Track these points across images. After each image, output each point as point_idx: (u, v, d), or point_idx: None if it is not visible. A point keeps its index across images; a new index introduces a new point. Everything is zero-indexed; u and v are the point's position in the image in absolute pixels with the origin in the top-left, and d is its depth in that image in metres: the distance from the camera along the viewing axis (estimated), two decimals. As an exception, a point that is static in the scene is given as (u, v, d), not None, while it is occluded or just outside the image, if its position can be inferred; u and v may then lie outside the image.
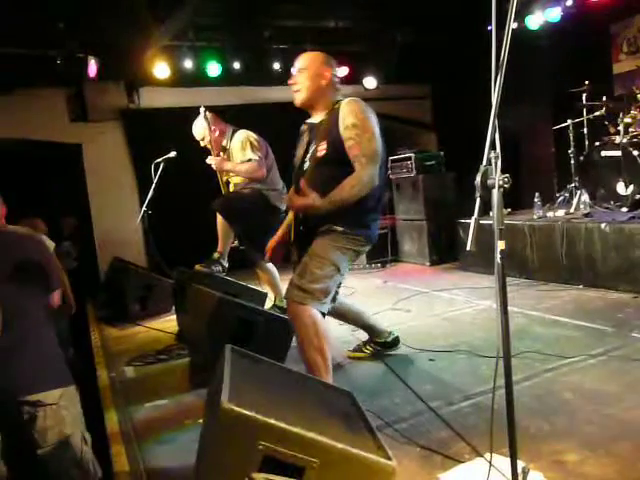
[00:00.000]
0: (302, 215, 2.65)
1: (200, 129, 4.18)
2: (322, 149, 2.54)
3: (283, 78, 6.89)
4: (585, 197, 4.95)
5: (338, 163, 2.48)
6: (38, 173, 5.37)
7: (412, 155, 6.25)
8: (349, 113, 2.50)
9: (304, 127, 2.82)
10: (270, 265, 4.24)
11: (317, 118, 2.69)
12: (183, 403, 2.88)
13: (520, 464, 1.65)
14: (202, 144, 4.22)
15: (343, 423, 1.77)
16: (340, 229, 2.55)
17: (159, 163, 4.94)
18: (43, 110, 5.82)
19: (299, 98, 2.65)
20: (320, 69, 2.62)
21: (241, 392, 1.51)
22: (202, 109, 4.13)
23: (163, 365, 3.58)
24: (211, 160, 4.13)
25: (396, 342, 3.24)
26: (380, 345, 3.24)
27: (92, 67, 5.52)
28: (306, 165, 2.65)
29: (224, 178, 4.30)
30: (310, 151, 2.65)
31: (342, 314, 3.12)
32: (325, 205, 2.41)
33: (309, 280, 2.46)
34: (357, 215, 2.57)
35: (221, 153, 4.23)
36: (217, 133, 4.17)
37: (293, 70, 2.69)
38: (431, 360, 3.12)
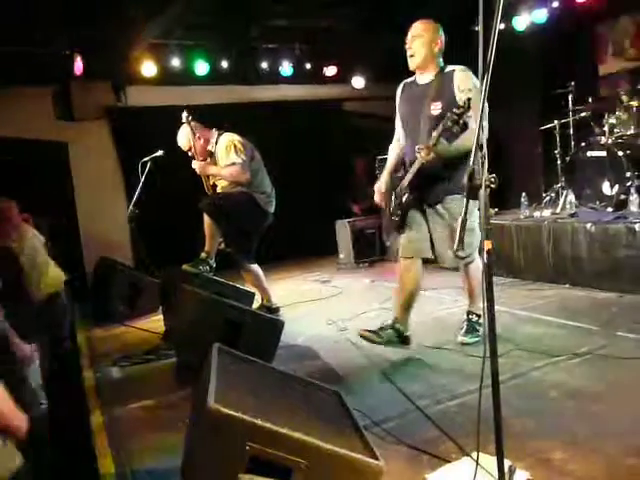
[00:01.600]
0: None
1: (184, 140, 4.19)
2: (437, 108, 2.89)
3: (271, 77, 6.91)
4: (571, 197, 4.99)
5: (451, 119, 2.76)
6: (22, 172, 5.30)
7: (400, 155, 6.25)
8: (465, 79, 2.89)
9: (407, 86, 3.20)
10: (255, 266, 4.23)
11: (425, 79, 3.04)
12: (170, 403, 2.86)
13: (506, 463, 1.66)
14: (189, 153, 4.22)
15: (330, 423, 1.77)
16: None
17: (146, 162, 4.90)
18: (28, 108, 5.74)
19: (414, 62, 3.01)
20: (434, 37, 2.98)
21: (228, 393, 1.50)
22: (184, 114, 4.10)
23: (150, 365, 3.56)
24: (195, 165, 4.14)
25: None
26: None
27: (78, 65, 5.46)
28: (421, 121, 2.99)
29: (210, 181, 4.28)
30: (422, 108, 2.98)
31: None
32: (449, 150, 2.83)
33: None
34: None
35: (208, 158, 4.21)
36: (202, 141, 4.16)
37: (408, 36, 3.03)
38: (419, 359, 3.13)
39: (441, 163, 2.92)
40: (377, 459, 1.57)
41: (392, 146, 3.41)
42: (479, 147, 1.51)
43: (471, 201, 2.85)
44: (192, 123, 4.12)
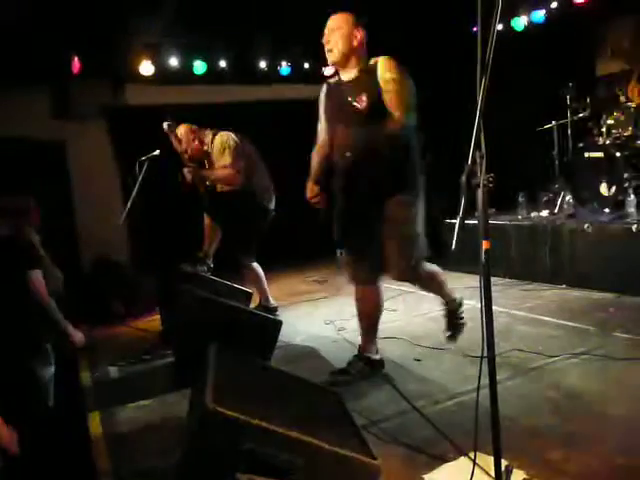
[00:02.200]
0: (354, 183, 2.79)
1: (178, 148, 4.18)
2: (362, 101, 2.67)
3: (269, 77, 6.90)
4: (569, 198, 5.00)
5: (378, 115, 2.62)
6: (19, 171, 5.29)
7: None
8: (388, 68, 2.68)
9: (331, 86, 2.95)
10: (256, 265, 4.23)
11: (348, 75, 2.82)
12: (167, 403, 2.86)
13: (503, 462, 1.67)
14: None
15: (328, 422, 1.76)
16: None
17: (143, 161, 4.89)
18: (25, 107, 5.73)
19: (333, 57, 2.80)
20: (352, 29, 2.77)
21: (225, 392, 1.50)
22: (165, 125, 4.10)
23: (147, 365, 3.55)
24: (185, 172, 4.12)
25: None
26: None
27: (75, 63, 5.45)
28: (349, 119, 2.76)
29: (207, 183, 4.25)
30: (349, 106, 2.74)
31: None
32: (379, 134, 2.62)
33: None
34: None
35: (205, 160, 4.20)
36: (196, 142, 4.14)
37: (325, 30, 2.81)
38: (417, 360, 3.13)
39: (379, 160, 2.68)
40: (374, 458, 1.57)
41: (315, 150, 3.07)
42: (477, 146, 1.51)
43: (418, 203, 2.75)
44: (181, 131, 4.12)
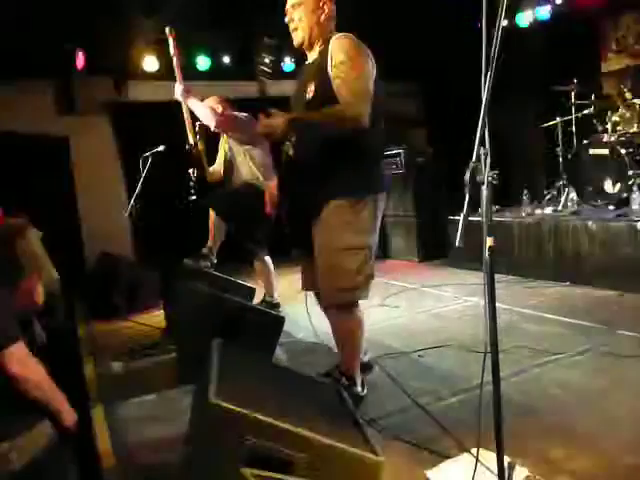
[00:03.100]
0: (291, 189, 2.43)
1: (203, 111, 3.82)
2: (310, 91, 2.31)
3: (273, 73, 6.89)
4: (573, 195, 4.99)
5: (327, 105, 2.22)
6: (23, 166, 5.30)
7: (401, 151, 6.25)
8: (338, 49, 2.25)
9: (301, 69, 2.60)
10: (268, 258, 4.22)
11: (312, 57, 2.45)
12: (170, 398, 2.86)
13: (507, 459, 1.66)
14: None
15: (331, 418, 1.76)
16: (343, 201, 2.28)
17: (147, 157, 4.89)
18: (30, 103, 5.74)
19: (297, 38, 2.42)
20: (317, 3, 2.35)
21: (229, 387, 1.50)
22: (167, 29, 3.72)
23: (150, 360, 3.56)
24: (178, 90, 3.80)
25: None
26: None
27: (80, 59, 5.45)
28: (298, 111, 2.40)
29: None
30: (303, 94, 2.38)
31: None
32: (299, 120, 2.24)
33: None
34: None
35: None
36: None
37: (287, 5, 2.42)
38: (419, 356, 3.13)
39: (318, 157, 2.28)
40: (377, 454, 1.57)
41: None
42: (482, 143, 1.50)
43: (370, 207, 2.25)
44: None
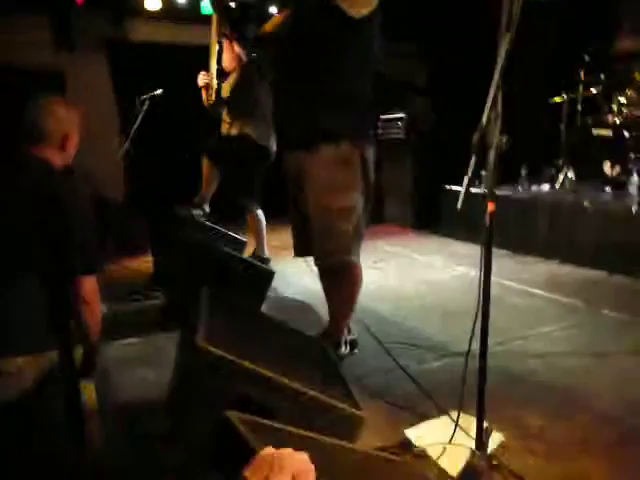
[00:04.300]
0: None
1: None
2: None
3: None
4: (571, 174, 4.96)
5: None
6: (15, 99, 5.14)
7: (403, 116, 6.15)
8: None
9: None
10: (260, 212, 4.17)
11: None
12: (156, 343, 2.87)
13: (484, 424, 1.69)
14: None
15: (316, 371, 1.77)
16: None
17: (144, 99, 4.76)
18: (25, 36, 5.53)
19: None
20: None
21: (216, 334, 1.49)
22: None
23: (136, 305, 3.55)
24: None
25: None
26: None
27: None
28: None
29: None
30: None
31: None
32: None
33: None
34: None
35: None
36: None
37: None
38: (406, 319, 3.15)
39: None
40: (358, 409, 1.59)
41: None
42: (493, 105, 1.46)
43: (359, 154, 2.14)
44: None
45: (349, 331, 2.67)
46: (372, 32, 2.16)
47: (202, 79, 3.85)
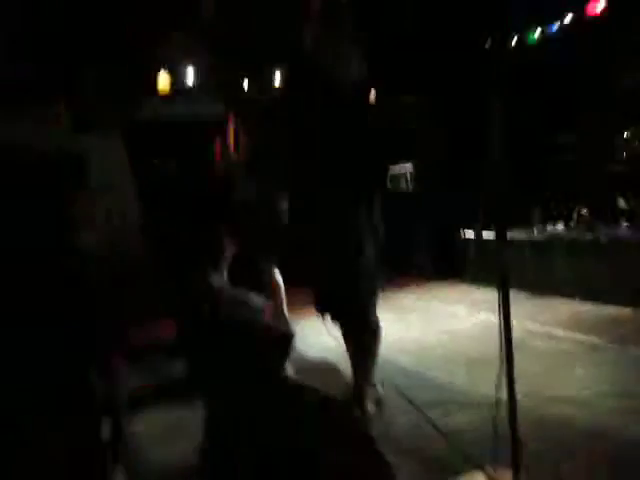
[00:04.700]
0: None
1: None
2: None
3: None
4: (585, 211, 4.96)
5: None
6: (39, 184, 5.36)
7: (410, 168, 6.27)
8: None
9: None
10: (277, 272, 4.19)
11: None
12: (180, 415, 2.85)
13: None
14: None
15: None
16: None
17: (157, 168, 4.95)
18: (43, 120, 5.82)
19: None
20: None
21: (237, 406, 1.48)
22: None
23: (161, 377, 3.54)
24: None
25: None
26: None
27: (96, 78, 5.55)
28: None
29: None
30: None
31: None
32: None
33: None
34: None
35: None
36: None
37: None
38: (431, 371, 3.10)
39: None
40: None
41: None
42: (496, 159, 1.51)
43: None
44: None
45: (374, 389, 2.64)
46: None
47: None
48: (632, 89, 5.64)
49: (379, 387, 2.68)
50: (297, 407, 1.87)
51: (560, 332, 3.60)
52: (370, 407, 2.51)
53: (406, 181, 6.37)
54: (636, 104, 5.01)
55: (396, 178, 6.51)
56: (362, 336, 2.42)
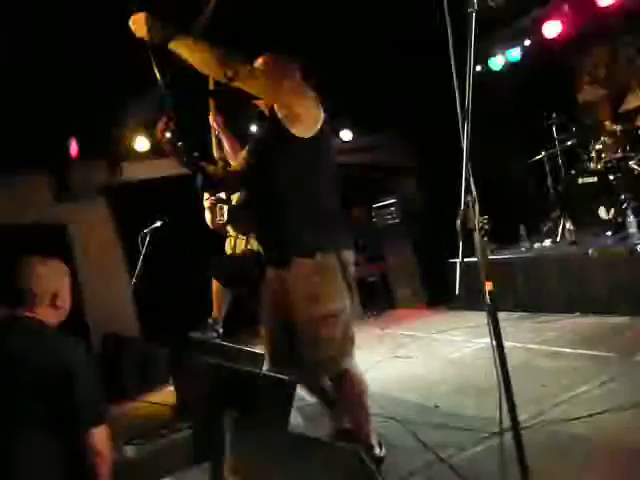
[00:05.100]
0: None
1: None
2: None
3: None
4: (569, 225, 5.01)
5: None
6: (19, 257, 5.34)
7: (394, 201, 6.34)
8: None
9: None
10: None
11: None
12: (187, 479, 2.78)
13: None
14: None
15: None
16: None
17: (146, 234, 4.96)
18: (25, 192, 5.85)
19: None
20: None
21: (242, 464, 1.46)
22: None
23: (164, 441, 3.47)
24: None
25: None
26: None
27: (73, 147, 5.61)
28: None
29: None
30: None
31: None
32: None
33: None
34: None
35: None
36: None
37: None
38: (437, 406, 3.05)
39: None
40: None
41: None
42: (468, 190, 1.53)
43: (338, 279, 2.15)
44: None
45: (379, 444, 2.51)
46: (319, 149, 2.26)
47: (209, 201, 3.49)
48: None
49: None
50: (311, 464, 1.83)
51: (564, 349, 3.57)
52: (378, 451, 2.44)
53: (391, 213, 6.42)
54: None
55: (382, 211, 6.57)
56: (338, 386, 2.36)
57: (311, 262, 2.18)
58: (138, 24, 2.03)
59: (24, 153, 5.46)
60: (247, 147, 2.43)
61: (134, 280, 5.03)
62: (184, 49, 2.02)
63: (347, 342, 2.27)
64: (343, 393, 2.37)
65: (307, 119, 2.17)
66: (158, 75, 2.16)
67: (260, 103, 2.33)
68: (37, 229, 5.67)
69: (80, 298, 6.09)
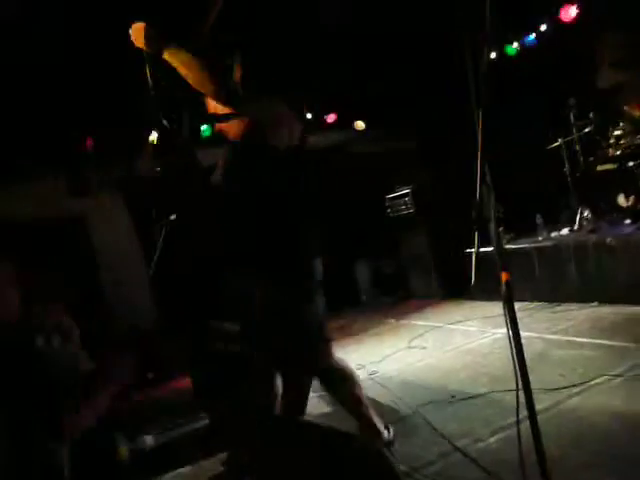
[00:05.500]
0: None
1: None
2: None
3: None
4: (587, 213, 4.95)
5: None
6: (43, 252, 5.43)
7: (409, 191, 6.30)
8: None
9: None
10: None
11: None
12: (204, 469, 2.82)
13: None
14: None
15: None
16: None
17: (162, 226, 4.99)
18: (43, 189, 5.94)
19: None
20: None
21: (260, 455, 1.48)
22: None
23: (182, 430, 3.51)
24: None
25: None
26: None
27: (89, 143, 5.67)
28: None
29: None
30: None
31: None
32: None
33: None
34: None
35: None
36: None
37: None
38: (453, 397, 3.05)
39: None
40: None
41: None
42: (483, 180, 1.52)
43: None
44: None
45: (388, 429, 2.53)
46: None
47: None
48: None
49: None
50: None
51: (581, 339, 3.54)
52: (387, 434, 2.44)
53: (406, 204, 6.39)
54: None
55: (396, 201, 6.54)
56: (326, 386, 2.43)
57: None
58: (137, 34, 2.06)
59: (42, 150, 5.54)
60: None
61: (151, 271, 5.07)
62: (178, 63, 2.07)
63: (321, 340, 2.33)
64: (332, 392, 2.46)
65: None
66: (151, 85, 2.19)
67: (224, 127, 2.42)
68: (56, 223, 5.76)
69: (101, 291, 6.19)
